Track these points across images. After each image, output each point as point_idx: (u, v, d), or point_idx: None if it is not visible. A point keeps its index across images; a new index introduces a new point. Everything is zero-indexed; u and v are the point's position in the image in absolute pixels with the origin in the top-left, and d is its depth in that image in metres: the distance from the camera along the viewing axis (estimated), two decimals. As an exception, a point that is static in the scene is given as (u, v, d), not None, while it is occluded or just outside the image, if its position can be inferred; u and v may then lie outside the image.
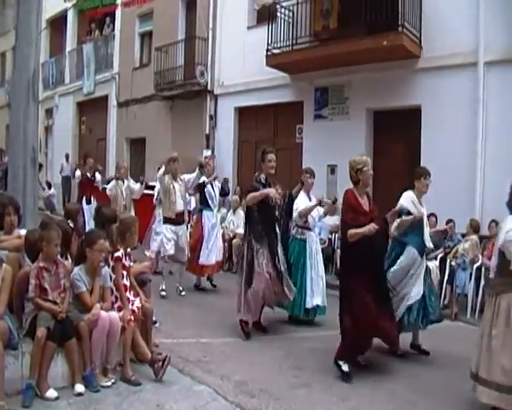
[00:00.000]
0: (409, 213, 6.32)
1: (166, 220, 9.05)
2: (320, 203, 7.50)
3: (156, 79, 16.98)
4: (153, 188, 11.18)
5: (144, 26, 19.17)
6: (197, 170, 9.45)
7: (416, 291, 6.27)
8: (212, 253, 9.44)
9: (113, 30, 20.57)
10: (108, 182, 11.61)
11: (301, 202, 7.57)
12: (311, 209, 7.56)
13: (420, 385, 5.50)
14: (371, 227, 5.34)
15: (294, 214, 7.41)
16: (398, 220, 6.23)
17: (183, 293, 9.12)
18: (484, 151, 10.51)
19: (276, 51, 12.80)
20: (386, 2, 10.74)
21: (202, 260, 9.41)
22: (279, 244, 6.85)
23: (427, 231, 6.53)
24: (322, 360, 5.95)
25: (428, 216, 9.75)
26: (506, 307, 4.48)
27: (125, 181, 10.61)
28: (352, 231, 5.42)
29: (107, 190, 10.63)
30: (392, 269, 6.19)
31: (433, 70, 11.13)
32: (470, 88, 10.65)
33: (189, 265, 9.58)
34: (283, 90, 13.79)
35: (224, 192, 10.53)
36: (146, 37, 19.21)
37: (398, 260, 6.25)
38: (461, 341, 7.25)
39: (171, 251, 8.94)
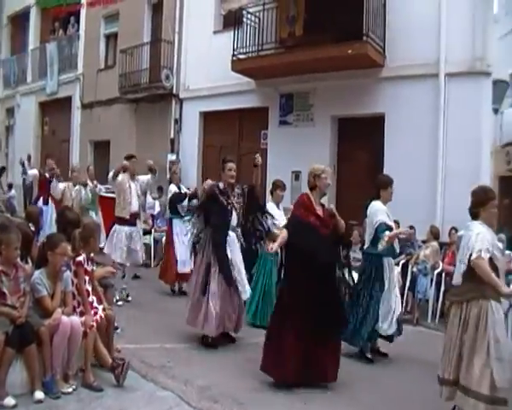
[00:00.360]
0: (387, 226, 6.42)
1: (120, 221, 8.82)
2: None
3: (121, 81, 16.81)
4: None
5: (110, 28, 18.95)
6: (150, 174, 9.30)
7: (396, 301, 6.47)
8: (187, 261, 9.31)
9: (78, 30, 20.23)
10: None
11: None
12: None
13: (380, 389, 5.58)
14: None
15: None
16: (385, 238, 6.30)
17: (130, 298, 8.92)
18: (445, 159, 10.80)
19: (241, 57, 12.85)
20: (351, 12, 10.88)
21: (180, 268, 9.38)
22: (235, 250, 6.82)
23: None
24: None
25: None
26: (477, 314, 4.52)
27: (78, 186, 10.52)
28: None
29: (53, 193, 10.52)
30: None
31: (396, 79, 11.37)
32: (432, 98, 10.95)
33: (162, 274, 9.54)
34: (249, 95, 13.84)
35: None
36: (111, 38, 18.97)
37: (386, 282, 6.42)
38: (422, 345, 7.41)
39: (120, 260, 8.75)
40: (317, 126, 12.56)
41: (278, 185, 7.99)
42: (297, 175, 12.51)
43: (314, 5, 11.77)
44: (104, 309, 5.26)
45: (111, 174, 8.96)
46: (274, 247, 5.41)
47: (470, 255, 4.57)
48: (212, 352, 6.51)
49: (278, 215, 7.64)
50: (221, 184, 6.91)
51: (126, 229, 8.82)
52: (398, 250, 6.74)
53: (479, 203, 4.81)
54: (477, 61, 10.67)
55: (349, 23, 10.90)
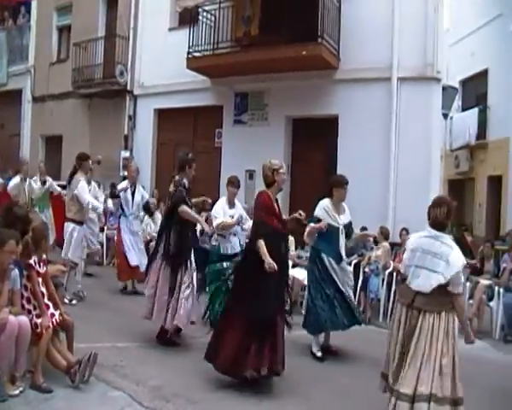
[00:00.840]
0: (318, 220, 6.53)
1: (76, 223, 8.64)
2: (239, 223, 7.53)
3: (74, 75, 16.47)
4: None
5: (62, 20, 18.51)
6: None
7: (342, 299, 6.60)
8: (142, 257, 9.32)
9: (29, 21, 19.72)
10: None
11: (218, 209, 7.65)
12: (229, 226, 7.63)
13: (333, 387, 5.66)
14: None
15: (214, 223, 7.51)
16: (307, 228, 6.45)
17: (84, 293, 8.85)
18: (396, 161, 11.07)
19: (197, 54, 12.78)
20: (306, 14, 10.99)
21: (133, 263, 9.31)
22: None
23: (342, 239, 6.74)
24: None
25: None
26: (445, 327, 4.56)
27: (28, 179, 10.32)
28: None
29: (9, 189, 10.28)
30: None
31: (350, 82, 11.58)
32: (384, 101, 11.22)
33: (118, 272, 9.47)
34: (203, 93, 13.80)
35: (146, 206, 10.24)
36: (64, 31, 18.55)
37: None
38: (373, 343, 7.52)
39: (77, 259, 8.67)
40: (271, 126, 12.65)
41: (230, 181, 7.99)
42: (251, 174, 12.56)
43: (270, 6, 11.83)
44: (62, 315, 5.17)
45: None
46: (271, 266, 5.33)
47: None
48: (165, 351, 6.48)
49: (221, 211, 7.71)
50: (185, 182, 6.88)
51: (83, 229, 8.77)
52: (343, 255, 6.81)
53: (450, 215, 4.77)
54: (428, 67, 11.01)
55: (304, 25, 11.01)
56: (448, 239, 4.66)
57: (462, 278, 4.67)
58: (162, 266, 6.65)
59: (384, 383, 4.79)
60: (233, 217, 7.72)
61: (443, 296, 4.55)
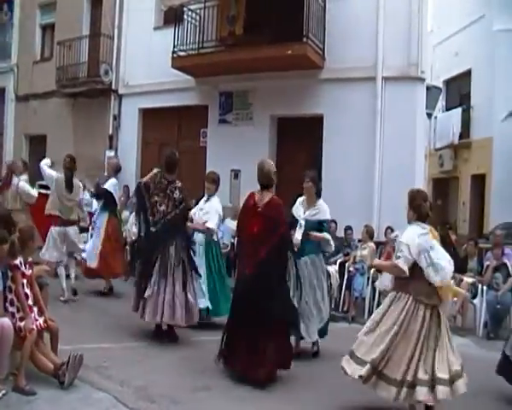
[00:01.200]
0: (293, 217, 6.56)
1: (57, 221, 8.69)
2: None
3: (58, 74, 16.34)
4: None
5: (46, 18, 18.37)
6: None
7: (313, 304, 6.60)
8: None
9: (12, 18, 19.50)
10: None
11: (194, 209, 7.74)
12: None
13: (317, 386, 5.63)
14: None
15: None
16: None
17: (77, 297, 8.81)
18: (381, 160, 11.15)
19: (181, 54, 12.73)
20: (291, 13, 11.02)
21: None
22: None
23: (298, 233, 6.63)
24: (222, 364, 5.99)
25: (329, 222, 10.15)
26: (429, 315, 4.84)
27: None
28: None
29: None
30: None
31: (335, 81, 11.62)
32: (369, 101, 11.28)
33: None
34: (188, 93, 13.76)
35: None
36: (48, 29, 18.40)
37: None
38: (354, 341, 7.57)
39: (55, 259, 8.61)
40: (256, 126, 12.65)
41: (206, 177, 7.98)
42: (236, 174, 12.59)
43: (254, 5, 11.83)
44: (46, 321, 5.12)
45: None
46: None
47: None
48: (150, 351, 6.44)
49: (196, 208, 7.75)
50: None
51: (62, 229, 8.71)
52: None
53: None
54: (412, 67, 11.09)
55: (289, 24, 11.03)
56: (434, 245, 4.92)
57: None
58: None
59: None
60: (202, 209, 7.70)
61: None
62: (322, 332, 6.69)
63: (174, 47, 12.71)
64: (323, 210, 6.78)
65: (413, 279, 4.85)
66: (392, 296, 4.98)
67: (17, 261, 4.98)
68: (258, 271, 5.56)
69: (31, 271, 5.20)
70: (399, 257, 4.82)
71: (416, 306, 4.82)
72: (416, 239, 4.86)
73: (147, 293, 6.59)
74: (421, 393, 4.65)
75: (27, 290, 5.04)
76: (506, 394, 5.62)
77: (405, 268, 4.81)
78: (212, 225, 7.42)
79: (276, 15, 11.11)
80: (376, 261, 4.95)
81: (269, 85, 12.28)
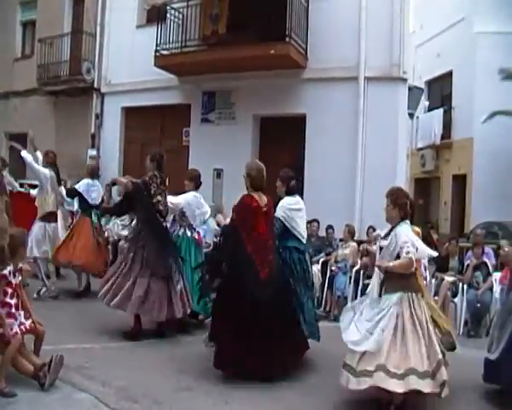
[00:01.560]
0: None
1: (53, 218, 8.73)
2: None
3: (39, 72, 16.19)
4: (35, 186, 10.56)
5: (27, 15, 18.18)
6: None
7: None
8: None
9: (-8, 15, 19.32)
10: None
11: None
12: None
13: (303, 387, 5.59)
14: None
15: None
16: None
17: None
18: (363, 160, 11.24)
19: (164, 52, 12.70)
20: (274, 13, 11.03)
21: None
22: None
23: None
24: (206, 363, 5.87)
25: (311, 222, 10.19)
26: (410, 305, 4.91)
27: None
28: None
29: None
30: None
31: (317, 81, 11.67)
32: (352, 100, 11.36)
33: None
34: (171, 92, 13.71)
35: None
36: (29, 26, 18.22)
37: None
38: (337, 339, 7.58)
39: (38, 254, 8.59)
40: (239, 125, 12.66)
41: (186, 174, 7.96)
42: (219, 173, 12.58)
43: (237, 4, 11.81)
44: (34, 322, 5.04)
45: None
46: None
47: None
48: (131, 351, 6.38)
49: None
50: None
51: (55, 225, 8.82)
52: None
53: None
54: (394, 68, 11.19)
55: (272, 24, 11.05)
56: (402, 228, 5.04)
57: None
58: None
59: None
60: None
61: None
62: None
63: (157, 46, 12.67)
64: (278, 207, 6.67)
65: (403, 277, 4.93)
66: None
67: (6, 271, 4.86)
68: (272, 273, 5.64)
69: (20, 277, 5.08)
70: (408, 252, 4.85)
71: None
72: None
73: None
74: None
75: (10, 300, 4.92)
76: (486, 391, 5.64)
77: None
78: (173, 200, 7.37)
79: (259, 15, 11.12)
80: (389, 264, 4.96)
81: (252, 85, 12.29)
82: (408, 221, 5.09)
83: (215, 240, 11.25)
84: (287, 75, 11.84)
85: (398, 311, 4.86)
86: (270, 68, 11.71)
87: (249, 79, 12.25)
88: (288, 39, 11.14)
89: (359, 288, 9.26)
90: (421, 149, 21.43)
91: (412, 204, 5.33)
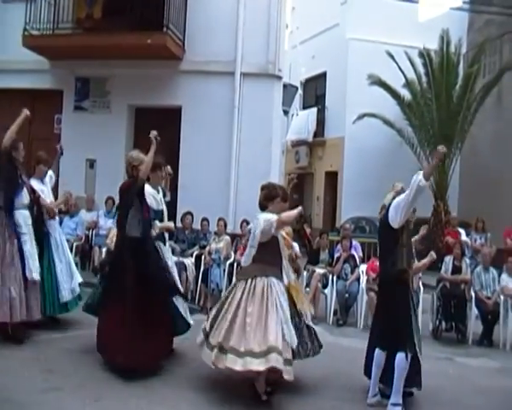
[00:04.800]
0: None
1: None
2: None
3: None
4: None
5: None
6: None
7: None
8: None
9: None
10: None
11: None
12: None
13: (173, 379, 5.58)
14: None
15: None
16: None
17: None
18: (238, 154, 11.42)
19: (34, 33, 11.94)
20: (152, 2, 10.89)
21: None
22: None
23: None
24: (75, 361, 5.77)
25: (185, 214, 10.16)
26: (261, 289, 5.04)
27: None
28: None
29: None
30: None
31: (194, 74, 11.66)
32: (228, 95, 11.49)
33: None
34: (42, 75, 12.90)
35: None
36: None
37: None
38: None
39: None
40: (113, 114, 12.30)
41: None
42: (92, 163, 12.16)
43: (115, -10, 11.48)
44: None
45: None
46: None
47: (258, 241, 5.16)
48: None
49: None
50: None
51: None
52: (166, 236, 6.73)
53: (267, 197, 5.29)
54: (270, 65, 11.44)
55: (150, 13, 10.88)
56: (260, 215, 5.22)
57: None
58: None
59: None
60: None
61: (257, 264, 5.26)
62: None
63: (26, 24, 11.85)
64: None
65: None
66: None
67: None
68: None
69: None
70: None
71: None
72: None
73: None
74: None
75: None
76: (355, 377, 5.86)
77: None
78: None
79: (136, 3, 10.91)
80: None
81: (127, 74, 11.99)
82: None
83: (87, 232, 10.95)
84: (163, 66, 11.70)
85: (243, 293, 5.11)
86: (147, 58, 11.49)
87: (125, 68, 11.92)
88: (165, 29, 11.02)
89: (233, 281, 9.35)
90: (295, 145, 22.10)
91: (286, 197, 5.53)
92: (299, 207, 5.05)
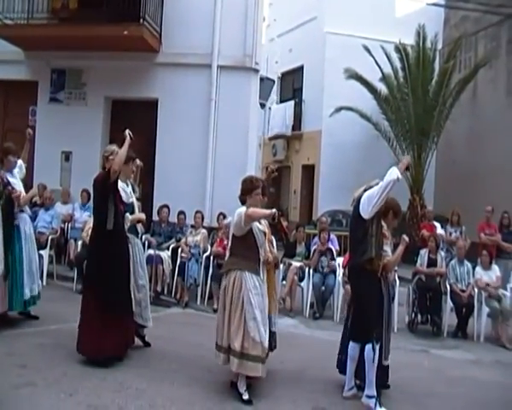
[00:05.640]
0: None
1: None
2: None
3: None
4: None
5: None
6: None
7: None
8: None
9: None
10: None
11: None
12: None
13: (149, 373, 5.55)
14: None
15: None
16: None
17: None
18: (214, 147, 11.40)
19: (8, 22, 11.73)
20: (128, -8, 10.74)
21: None
22: None
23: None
24: (49, 356, 5.72)
25: (161, 207, 10.11)
26: (233, 282, 5.07)
27: None
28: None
29: None
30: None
31: (171, 66, 11.58)
32: (204, 88, 11.45)
33: None
34: (16, 66, 12.65)
35: None
36: None
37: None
38: (190, 326, 7.63)
39: None
40: (89, 106, 12.13)
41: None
42: (67, 156, 12.01)
43: (91, -20, 11.32)
44: None
45: None
46: None
47: (233, 234, 5.23)
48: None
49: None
50: None
51: None
52: (139, 230, 6.67)
53: (246, 191, 5.30)
54: (247, 58, 11.42)
55: (126, 4, 10.70)
56: (239, 209, 5.21)
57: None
58: None
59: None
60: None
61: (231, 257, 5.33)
62: None
63: (0, 14, 11.67)
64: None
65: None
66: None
67: None
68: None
69: None
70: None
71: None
72: None
73: None
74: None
75: None
76: (331, 369, 5.85)
77: None
78: None
79: (112, -8, 10.74)
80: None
81: (104, 66, 11.86)
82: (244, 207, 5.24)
83: (62, 226, 10.83)
84: (140, 58, 11.59)
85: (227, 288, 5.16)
86: (124, 50, 11.37)
87: (101, 60, 11.78)
88: (142, 21, 10.89)
89: (209, 274, 9.35)
90: (272, 138, 22.13)
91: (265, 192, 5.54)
92: (274, 210, 5.01)
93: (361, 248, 5.24)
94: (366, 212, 5.19)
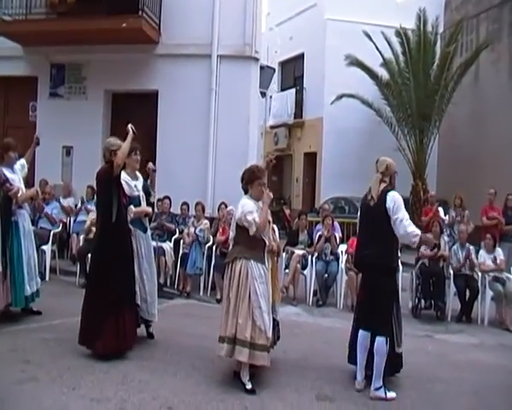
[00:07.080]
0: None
1: None
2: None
3: None
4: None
5: None
6: None
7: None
8: None
9: None
10: None
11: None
12: None
13: (152, 365, 5.57)
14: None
15: None
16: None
17: None
18: (216, 137, 11.40)
19: (6, 18, 11.74)
20: (127, -15, 10.72)
21: None
22: None
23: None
24: (52, 351, 5.73)
25: (162, 199, 10.11)
26: (238, 272, 5.06)
27: None
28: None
29: None
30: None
31: (170, 57, 11.55)
32: (205, 78, 11.43)
33: None
34: (16, 62, 12.67)
35: None
36: None
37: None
38: (193, 317, 7.64)
39: None
40: (89, 100, 12.16)
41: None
42: (68, 150, 12.04)
43: (88, -27, 11.28)
44: None
45: None
46: None
47: (236, 224, 5.19)
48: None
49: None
50: None
51: None
52: (147, 225, 6.66)
53: (248, 180, 5.28)
54: (246, 47, 11.38)
55: (124, -4, 10.72)
56: (241, 200, 5.22)
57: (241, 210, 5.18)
58: None
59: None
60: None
61: (236, 246, 5.30)
62: None
63: (-3, 9, 11.69)
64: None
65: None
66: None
67: None
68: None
69: None
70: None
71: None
72: None
73: None
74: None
75: None
76: (334, 357, 5.94)
77: None
78: None
79: (111, -14, 10.72)
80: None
81: (103, 59, 11.84)
82: (245, 196, 5.27)
83: (64, 220, 10.87)
84: (139, 50, 11.56)
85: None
86: (123, 42, 11.34)
87: (101, 53, 11.76)
88: (140, 13, 10.88)
89: (212, 264, 9.37)
90: (274, 127, 22.09)
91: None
92: (269, 193, 5.09)
93: (386, 246, 5.19)
94: (396, 230, 5.15)
